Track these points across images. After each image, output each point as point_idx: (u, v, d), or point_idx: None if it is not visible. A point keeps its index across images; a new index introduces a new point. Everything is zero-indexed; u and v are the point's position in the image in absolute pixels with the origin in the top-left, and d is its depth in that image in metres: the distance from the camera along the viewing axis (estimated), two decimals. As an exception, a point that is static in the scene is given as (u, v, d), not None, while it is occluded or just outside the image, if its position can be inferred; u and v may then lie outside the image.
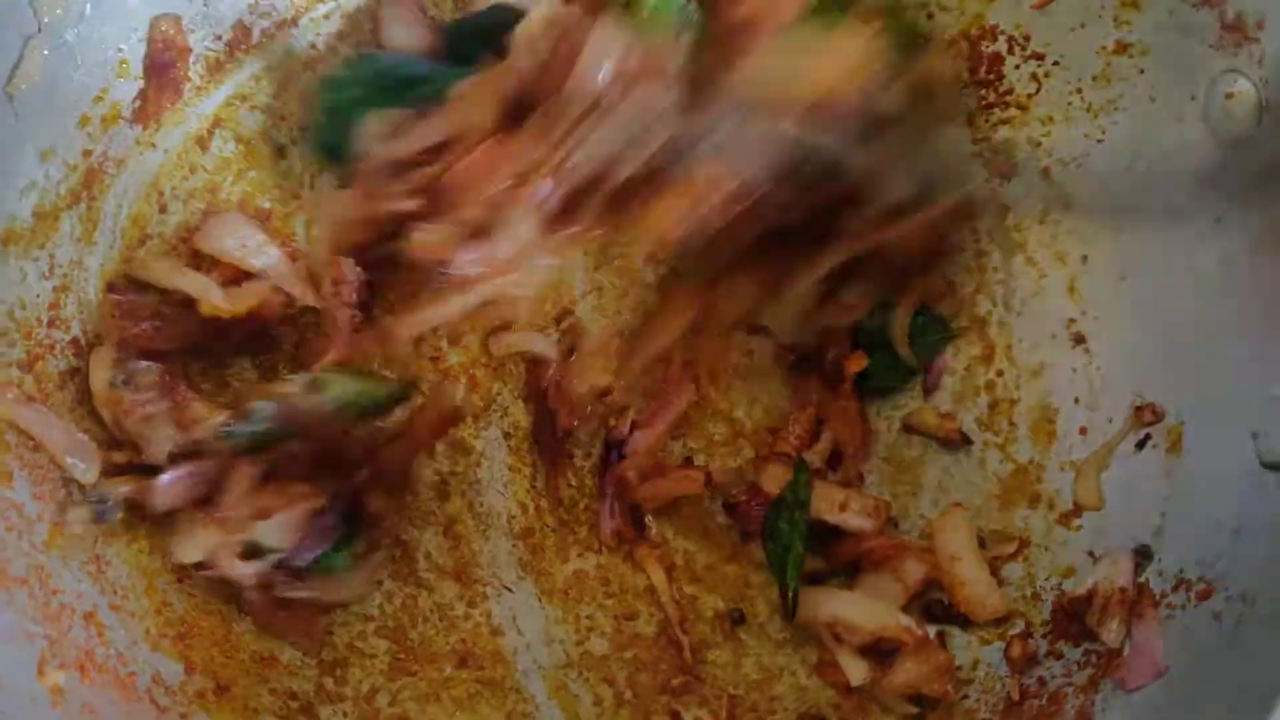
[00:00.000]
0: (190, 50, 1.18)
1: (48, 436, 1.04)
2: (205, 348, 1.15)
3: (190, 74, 1.19)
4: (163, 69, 1.15)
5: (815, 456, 1.22)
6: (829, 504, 1.18)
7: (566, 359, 1.21)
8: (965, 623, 1.15)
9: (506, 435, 1.22)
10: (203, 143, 1.21)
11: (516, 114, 0.98)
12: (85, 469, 1.05)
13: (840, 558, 1.18)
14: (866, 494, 1.22)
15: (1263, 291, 1.03)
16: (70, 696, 0.95)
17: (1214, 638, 0.96)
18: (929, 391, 1.27)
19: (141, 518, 1.09)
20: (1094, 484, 1.15)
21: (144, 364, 1.09)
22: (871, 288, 1.28)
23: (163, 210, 1.19)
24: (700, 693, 1.18)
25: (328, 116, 1.16)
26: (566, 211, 0.98)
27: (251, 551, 1.03)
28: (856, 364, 1.25)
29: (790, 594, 1.14)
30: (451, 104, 1.02)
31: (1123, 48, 1.17)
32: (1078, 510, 1.16)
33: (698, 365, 1.23)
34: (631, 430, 1.21)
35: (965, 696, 1.12)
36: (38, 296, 1.09)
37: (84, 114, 1.12)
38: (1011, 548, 1.17)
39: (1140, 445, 1.13)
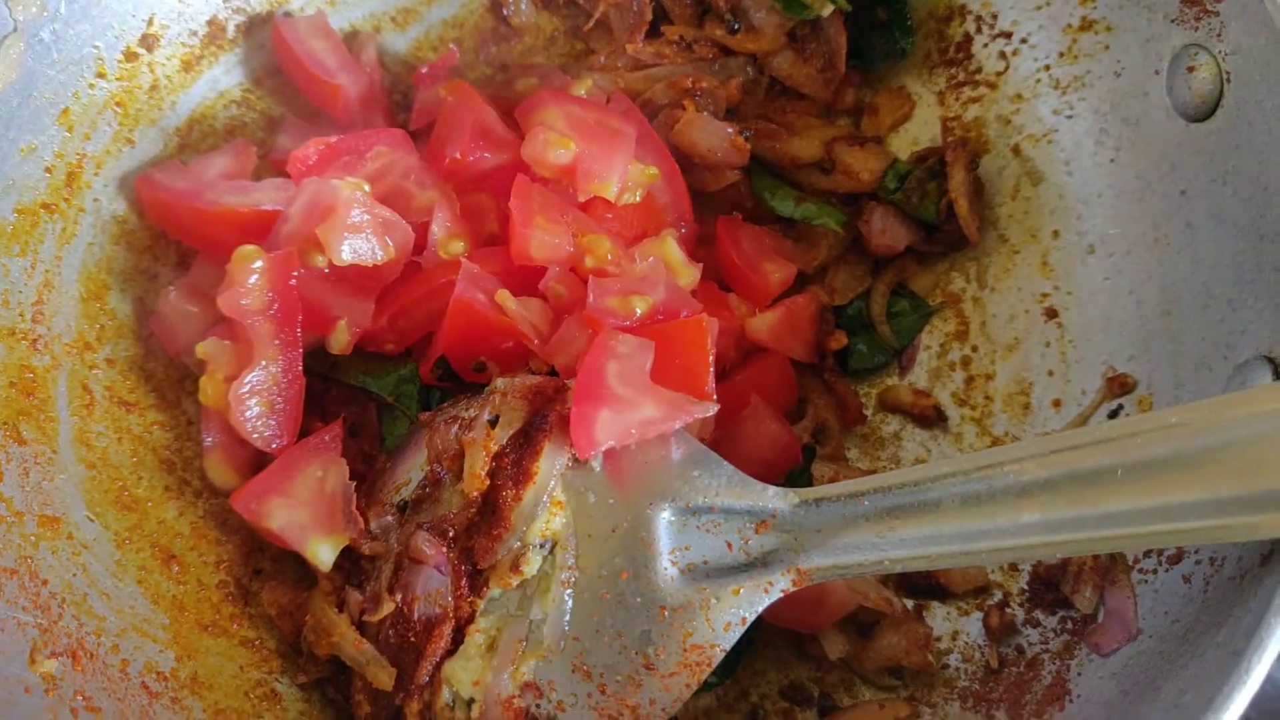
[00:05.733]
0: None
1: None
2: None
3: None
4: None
5: (802, 432, 1.24)
6: (819, 477, 1.19)
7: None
8: (944, 594, 1.16)
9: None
10: (181, 137, 1.22)
11: None
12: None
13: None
14: (854, 468, 1.24)
15: (1227, 262, 1.05)
16: (63, 684, 0.96)
17: (1185, 600, 0.98)
18: (904, 369, 1.28)
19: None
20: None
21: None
22: (859, 272, 1.30)
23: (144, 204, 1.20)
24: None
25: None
26: None
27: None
28: (837, 342, 1.27)
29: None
30: None
31: (1088, 24, 1.19)
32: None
33: None
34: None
35: (945, 666, 1.14)
36: (21, 293, 1.11)
37: (63, 110, 1.13)
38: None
39: (1113, 415, 1.15)
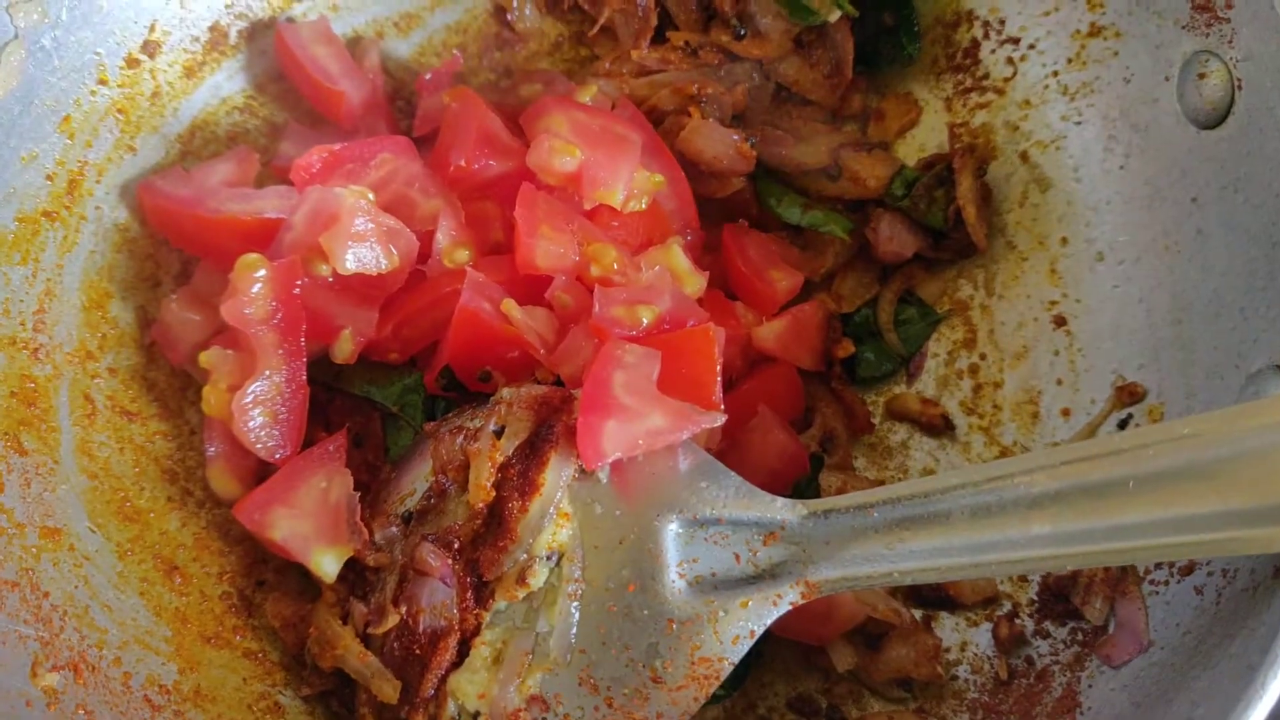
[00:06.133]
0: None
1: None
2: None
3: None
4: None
5: (810, 441, 1.23)
6: (826, 487, 1.19)
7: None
8: (953, 605, 1.15)
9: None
10: (183, 144, 1.21)
11: None
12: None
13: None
14: (861, 477, 1.23)
15: (1239, 270, 1.04)
16: (65, 697, 0.96)
17: (1197, 612, 0.97)
18: (912, 377, 1.27)
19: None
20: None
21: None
22: (866, 279, 1.29)
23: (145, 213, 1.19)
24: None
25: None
26: None
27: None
28: (844, 350, 1.26)
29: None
30: None
31: (1096, 30, 1.18)
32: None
33: None
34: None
35: (954, 678, 1.13)
36: (23, 302, 1.10)
37: (64, 118, 1.12)
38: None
39: (1123, 425, 1.14)
